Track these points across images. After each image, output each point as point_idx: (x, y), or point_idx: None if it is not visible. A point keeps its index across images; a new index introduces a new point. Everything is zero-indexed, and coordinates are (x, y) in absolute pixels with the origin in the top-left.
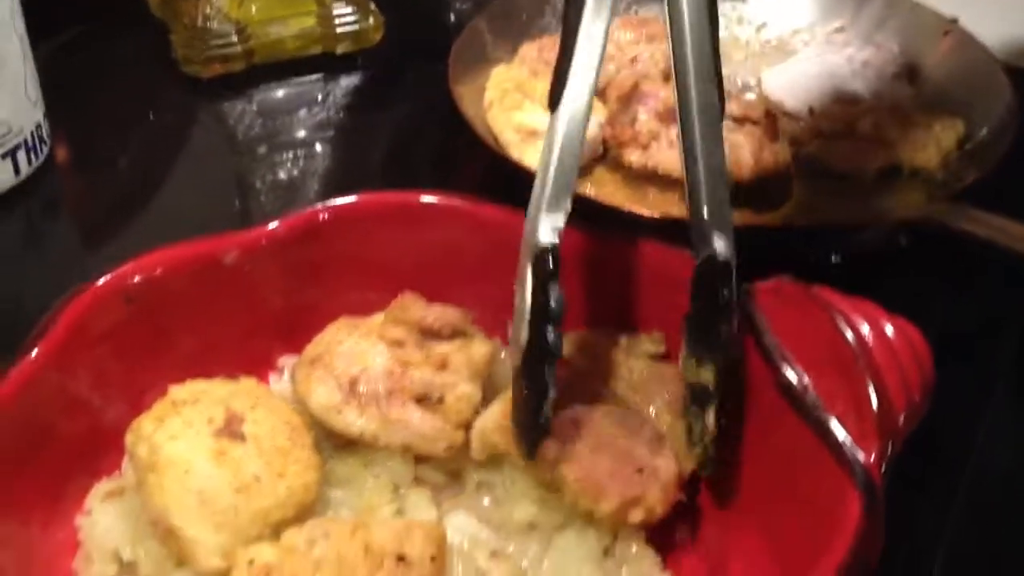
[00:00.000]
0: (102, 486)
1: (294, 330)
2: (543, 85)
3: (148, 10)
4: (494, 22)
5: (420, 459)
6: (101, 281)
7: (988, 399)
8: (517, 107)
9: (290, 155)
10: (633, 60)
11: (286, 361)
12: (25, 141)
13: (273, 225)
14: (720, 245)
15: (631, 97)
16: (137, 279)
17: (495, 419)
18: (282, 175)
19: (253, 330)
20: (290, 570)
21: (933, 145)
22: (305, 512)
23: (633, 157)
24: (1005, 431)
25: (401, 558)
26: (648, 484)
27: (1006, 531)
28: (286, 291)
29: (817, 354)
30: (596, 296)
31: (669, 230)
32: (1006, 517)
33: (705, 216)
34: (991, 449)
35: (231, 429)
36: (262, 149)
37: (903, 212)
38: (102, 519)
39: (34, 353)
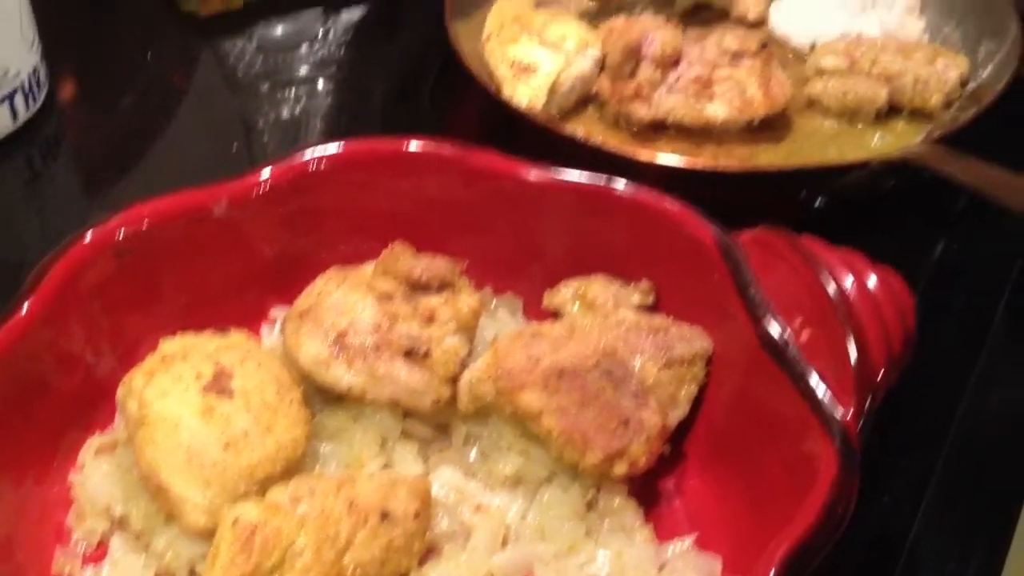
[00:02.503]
0: (95, 440)
1: (287, 280)
2: (542, 18)
3: None
4: None
5: (408, 413)
6: (89, 236)
7: (978, 344)
8: (513, 40)
9: (291, 93)
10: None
11: (279, 312)
12: (22, 85)
13: (262, 175)
14: None
15: (633, 48)
16: (126, 232)
17: (482, 371)
18: (284, 112)
19: (246, 281)
20: (274, 528)
21: (935, 84)
22: (293, 466)
23: (641, 112)
24: (995, 377)
25: (385, 515)
26: (633, 436)
27: (989, 482)
28: (278, 241)
29: (800, 306)
30: (590, 244)
31: (664, 175)
32: (991, 467)
33: None
34: (981, 395)
35: (219, 384)
36: (263, 87)
37: (889, 153)
38: (94, 475)
39: (24, 309)
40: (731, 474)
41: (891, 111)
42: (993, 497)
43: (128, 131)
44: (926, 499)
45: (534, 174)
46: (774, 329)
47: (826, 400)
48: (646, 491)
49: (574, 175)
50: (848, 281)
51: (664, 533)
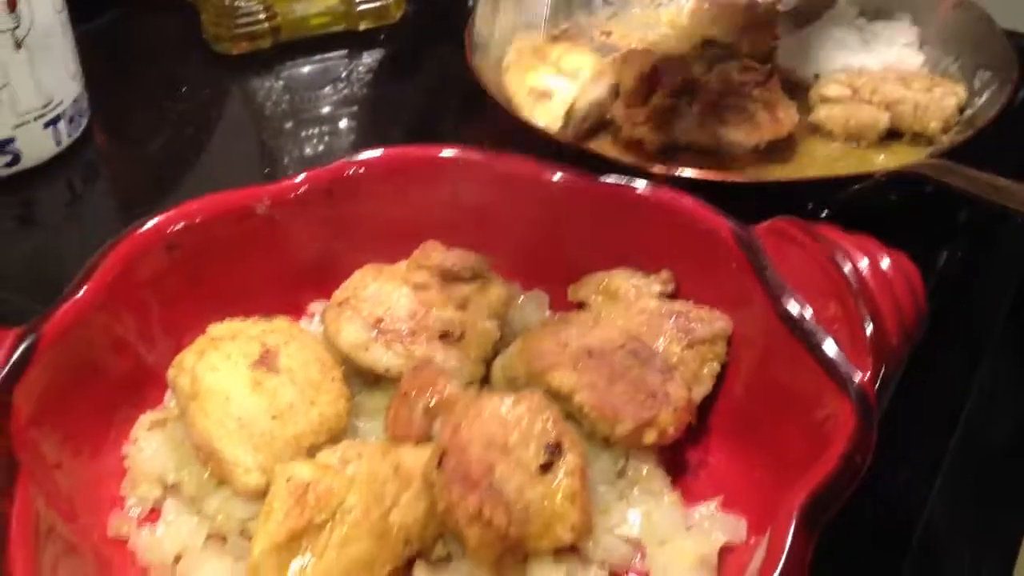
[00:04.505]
0: (147, 417)
1: (323, 278)
2: (558, 50)
3: None
4: None
5: None
6: (142, 229)
7: (981, 351)
8: (531, 69)
9: (315, 129)
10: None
11: (316, 307)
12: (65, 112)
13: (302, 177)
14: None
15: (648, 77)
16: (176, 227)
17: (514, 355)
18: (308, 149)
19: (285, 277)
20: (326, 486)
21: (934, 110)
22: (335, 439)
23: (654, 136)
24: (999, 385)
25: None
26: (661, 407)
27: (1000, 462)
28: (315, 240)
29: (816, 286)
30: (612, 241)
31: (676, 187)
32: (1002, 448)
33: None
34: (989, 388)
35: (266, 362)
36: (289, 124)
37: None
38: (147, 446)
39: (81, 292)
40: (753, 446)
41: (892, 135)
42: (1007, 480)
43: (162, 162)
44: (940, 478)
45: (558, 176)
46: (792, 306)
47: (842, 364)
48: (672, 463)
49: (596, 177)
50: (863, 261)
51: (691, 499)
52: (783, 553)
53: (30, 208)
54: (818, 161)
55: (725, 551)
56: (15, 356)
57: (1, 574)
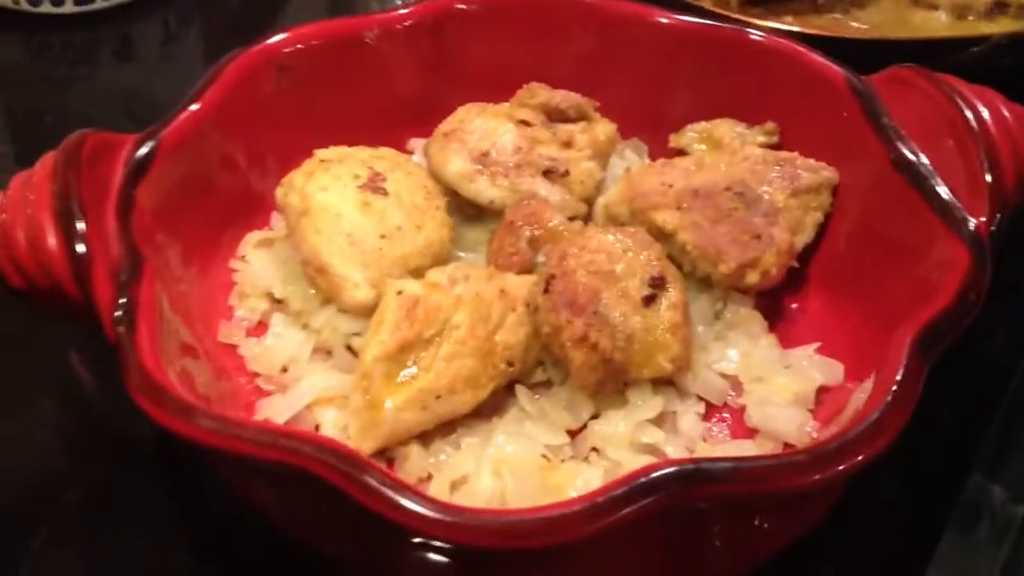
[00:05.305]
0: (254, 235)
1: (424, 114)
2: None
3: None
4: None
5: None
6: (255, 49)
7: None
8: None
9: None
10: None
11: (416, 143)
12: None
13: (410, 9)
14: None
15: None
16: (287, 50)
17: (617, 195)
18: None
19: (388, 111)
20: (434, 302)
21: None
22: (439, 263)
23: None
24: None
25: (531, 305)
26: (764, 249)
27: None
28: (419, 75)
29: (934, 131)
30: (715, 90)
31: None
32: None
33: None
34: None
35: (374, 185)
36: None
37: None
38: (255, 262)
39: (196, 106)
40: (854, 296)
41: (999, 8)
42: None
43: (252, 7)
44: None
45: (668, 20)
46: (908, 151)
47: (958, 207)
48: (770, 310)
49: (708, 22)
50: (984, 110)
51: (787, 344)
52: (895, 379)
53: (127, 43)
54: (922, 31)
55: (821, 392)
56: (138, 156)
57: (131, 352)
